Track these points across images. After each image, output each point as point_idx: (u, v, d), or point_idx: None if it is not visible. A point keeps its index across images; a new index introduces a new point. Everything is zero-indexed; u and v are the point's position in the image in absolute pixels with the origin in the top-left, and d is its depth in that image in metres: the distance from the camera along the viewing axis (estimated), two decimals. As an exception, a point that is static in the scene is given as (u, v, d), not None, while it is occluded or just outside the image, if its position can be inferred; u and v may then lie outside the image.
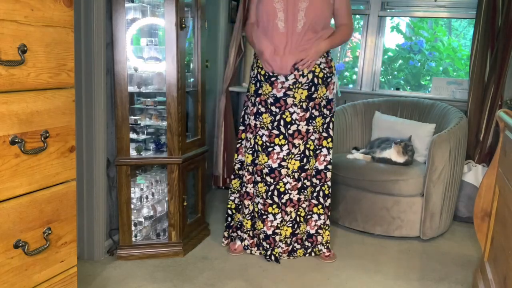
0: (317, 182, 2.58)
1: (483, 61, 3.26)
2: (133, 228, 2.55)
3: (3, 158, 1.18)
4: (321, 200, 2.60)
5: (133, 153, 2.52)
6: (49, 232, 1.34)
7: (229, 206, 2.73)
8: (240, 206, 2.70)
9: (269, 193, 2.52)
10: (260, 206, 2.55)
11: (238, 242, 2.69)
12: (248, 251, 2.65)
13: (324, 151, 2.56)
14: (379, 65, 3.90)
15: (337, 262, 2.62)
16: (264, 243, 2.57)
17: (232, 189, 2.72)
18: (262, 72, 2.51)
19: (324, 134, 2.55)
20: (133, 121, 2.53)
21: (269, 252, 2.57)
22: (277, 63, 2.42)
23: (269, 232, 2.55)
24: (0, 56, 1.14)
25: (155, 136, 2.67)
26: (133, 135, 2.58)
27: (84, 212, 2.45)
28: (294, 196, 2.52)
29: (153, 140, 2.66)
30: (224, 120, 3.58)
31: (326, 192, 2.60)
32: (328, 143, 2.56)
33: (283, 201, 2.52)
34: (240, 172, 2.68)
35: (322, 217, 2.61)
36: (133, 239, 2.56)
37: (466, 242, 3.01)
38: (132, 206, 2.53)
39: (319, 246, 2.64)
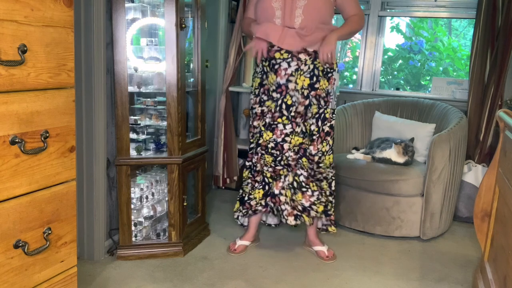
0: (311, 164, 2.59)
1: (483, 61, 3.26)
2: (133, 228, 2.55)
3: (3, 158, 1.18)
4: (318, 176, 2.62)
5: (133, 153, 2.52)
6: (49, 232, 1.34)
7: (240, 193, 2.74)
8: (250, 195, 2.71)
9: (276, 162, 2.58)
10: (271, 172, 2.61)
11: (239, 242, 2.69)
12: (262, 220, 2.80)
13: (316, 140, 2.57)
14: (379, 65, 3.90)
15: (337, 262, 2.62)
16: (270, 202, 2.62)
17: (243, 180, 2.74)
18: (266, 64, 2.53)
19: (319, 124, 2.56)
20: (133, 121, 2.53)
21: (274, 209, 2.63)
22: (279, 35, 2.44)
23: (276, 192, 2.59)
24: (0, 56, 1.14)
25: (155, 136, 2.67)
26: (133, 135, 2.58)
27: (84, 212, 2.45)
28: (291, 162, 2.58)
29: (153, 140, 2.66)
30: (224, 120, 3.58)
31: (322, 171, 2.61)
32: (319, 132, 2.57)
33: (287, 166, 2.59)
34: (250, 163, 2.69)
35: (316, 193, 2.61)
36: (133, 239, 2.56)
37: (466, 242, 3.01)
38: (132, 206, 2.53)
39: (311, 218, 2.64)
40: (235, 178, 3.70)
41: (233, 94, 3.83)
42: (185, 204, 2.60)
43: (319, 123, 2.57)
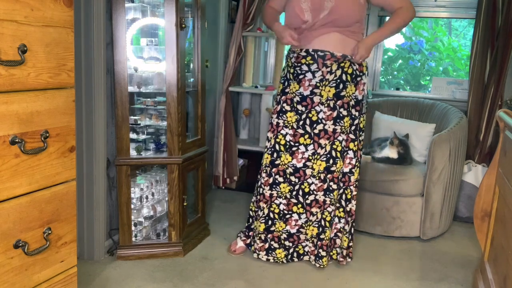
0: (341, 184, 2.50)
1: (483, 61, 3.26)
2: (133, 228, 2.55)
3: (3, 158, 1.18)
4: (343, 203, 2.51)
5: (133, 153, 2.52)
6: (49, 232, 1.34)
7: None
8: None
9: (294, 193, 2.45)
10: (282, 207, 2.47)
11: (239, 243, 2.68)
12: (255, 255, 2.58)
13: (350, 153, 2.47)
14: (379, 65, 3.90)
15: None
16: (287, 242, 2.51)
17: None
18: (291, 71, 2.48)
19: (352, 136, 2.46)
20: (133, 121, 2.53)
21: (291, 250, 2.53)
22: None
23: (293, 231, 2.49)
24: (0, 56, 1.14)
25: (155, 136, 2.67)
26: (133, 135, 2.58)
27: (84, 212, 2.45)
28: (319, 197, 2.45)
29: (153, 140, 2.66)
30: (224, 120, 3.58)
31: (349, 196, 2.51)
32: (354, 145, 2.47)
33: (308, 201, 2.46)
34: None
35: (342, 220, 2.52)
36: (133, 239, 2.56)
37: (466, 242, 3.01)
38: (132, 206, 2.53)
39: (336, 249, 2.54)
40: (235, 178, 3.70)
41: (233, 94, 3.83)
42: (185, 204, 2.61)
43: (357, 134, 2.46)
